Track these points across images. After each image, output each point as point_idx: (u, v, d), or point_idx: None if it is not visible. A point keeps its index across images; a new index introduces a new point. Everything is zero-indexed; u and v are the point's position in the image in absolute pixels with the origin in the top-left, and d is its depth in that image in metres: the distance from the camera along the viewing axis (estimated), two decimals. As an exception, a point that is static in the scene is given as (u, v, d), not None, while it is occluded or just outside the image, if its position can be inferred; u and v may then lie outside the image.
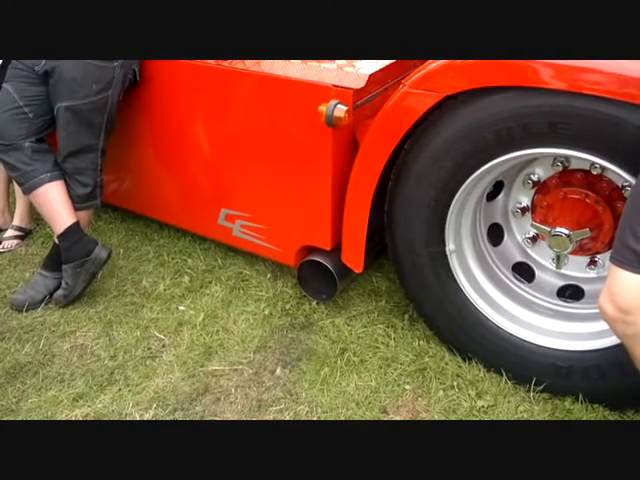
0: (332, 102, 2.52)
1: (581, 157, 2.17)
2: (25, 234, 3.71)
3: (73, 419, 2.52)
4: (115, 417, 2.53)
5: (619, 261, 1.76)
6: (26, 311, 3.08)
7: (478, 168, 2.37)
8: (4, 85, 2.96)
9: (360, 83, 2.57)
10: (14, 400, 2.62)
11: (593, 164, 2.28)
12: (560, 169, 2.45)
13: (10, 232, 3.68)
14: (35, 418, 2.52)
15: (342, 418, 2.50)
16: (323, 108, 2.52)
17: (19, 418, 2.53)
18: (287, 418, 2.52)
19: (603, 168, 2.26)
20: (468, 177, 2.41)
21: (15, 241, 3.65)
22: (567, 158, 2.39)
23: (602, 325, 2.23)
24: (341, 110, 2.50)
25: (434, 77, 2.35)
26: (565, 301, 2.63)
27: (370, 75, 2.58)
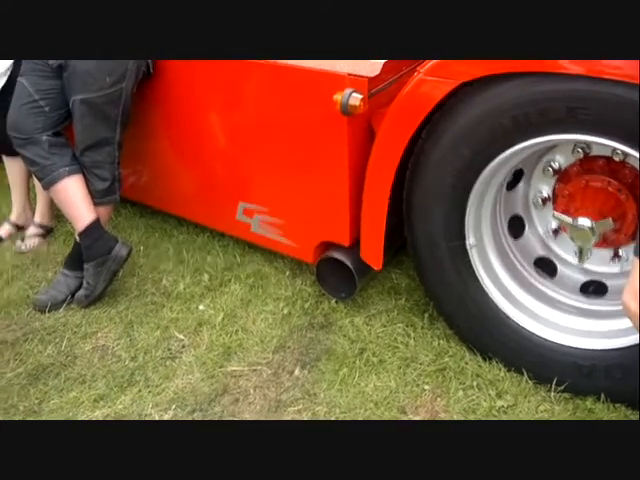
0: (347, 91, 2.48)
1: (602, 143, 2.10)
2: (46, 232, 3.73)
3: (94, 420, 2.52)
4: (135, 418, 2.53)
5: None
6: (49, 312, 3.09)
7: (497, 155, 2.32)
8: (19, 79, 2.99)
9: (375, 71, 2.52)
10: (36, 401, 2.63)
11: (615, 150, 2.20)
12: (581, 156, 2.37)
13: (32, 230, 3.70)
14: (57, 419, 2.53)
15: (360, 418, 2.46)
16: (338, 97, 2.49)
17: (41, 419, 2.54)
18: (305, 419, 2.49)
19: (625, 154, 2.19)
20: (487, 165, 2.35)
21: (37, 239, 3.66)
22: (588, 144, 2.31)
23: (625, 323, 2.19)
24: (356, 99, 2.47)
25: (449, 64, 2.29)
26: (588, 298, 2.56)
27: (385, 63, 2.52)
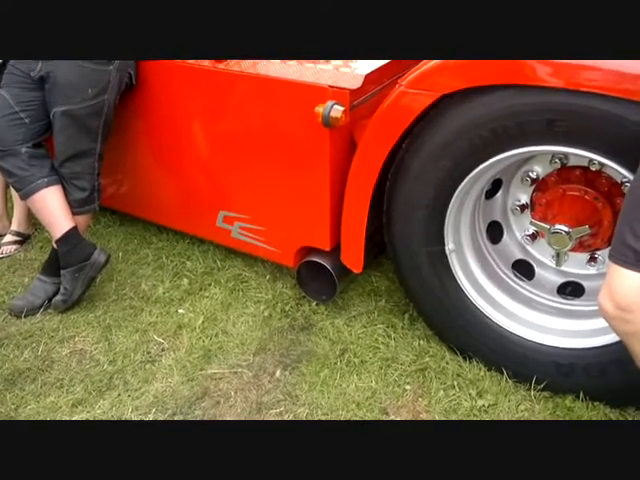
0: (329, 103, 2.51)
1: (579, 154, 2.16)
2: (23, 239, 3.70)
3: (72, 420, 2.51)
4: (114, 423, 2.52)
5: (618, 259, 1.75)
6: (25, 317, 3.07)
7: (476, 167, 2.37)
8: None
9: (356, 83, 2.56)
10: (13, 407, 2.61)
11: (591, 161, 2.26)
12: (558, 166, 2.43)
13: (8, 237, 3.67)
14: (34, 425, 2.51)
15: (342, 420, 2.48)
16: (320, 109, 2.51)
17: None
18: (287, 421, 2.51)
19: (601, 165, 2.24)
20: (466, 176, 2.40)
21: (14, 246, 3.64)
22: (565, 155, 2.38)
23: (602, 322, 2.18)
24: (338, 111, 2.50)
25: (430, 76, 2.34)
26: (565, 298, 2.62)
27: (366, 75, 2.56)
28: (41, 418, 2.54)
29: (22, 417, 2.55)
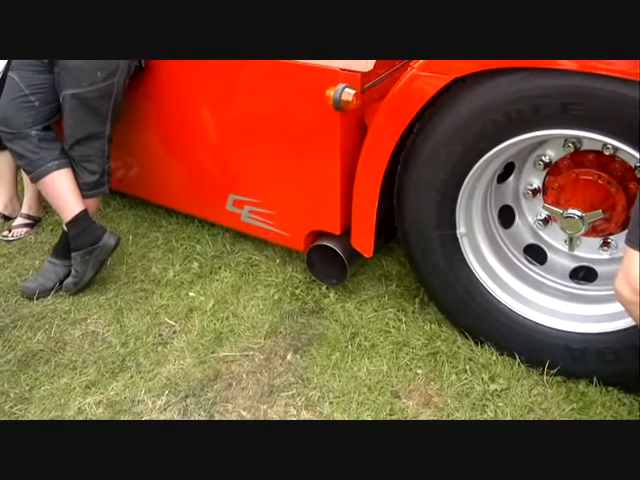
0: (340, 86, 2.50)
1: (593, 138, 2.14)
2: (34, 222, 3.71)
3: (86, 407, 2.53)
4: (127, 404, 2.54)
5: (635, 243, 1.74)
6: (37, 299, 3.09)
7: (488, 151, 2.35)
8: (10, 73, 2.96)
9: (368, 66, 2.54)
10: (27, 388, 2.63)
11: (605, 145, 2.24)
12: (571, 150, 2.41)
13: (19, 220, 3.69)
14: (48, 406, 2.54)
15: (354, 403, 2.49)
16: (331, 92, 2.50)
17: (32, 406, 2.54)
18: (299, 403, 2.52)
19: (615, 149, 2.23)
20: (478, 160, 2.39)
21: (24, 229, 3.65)
22: (579, 139, 2.36)
23: (616, 307, 2.22)
24: (349, 94, 2.49)
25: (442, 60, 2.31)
26: (578, 283, 2.61)
27: (378, 58, 2.55)
28: (55, 399, 2.56)
29: (36, 398, 2.57)
